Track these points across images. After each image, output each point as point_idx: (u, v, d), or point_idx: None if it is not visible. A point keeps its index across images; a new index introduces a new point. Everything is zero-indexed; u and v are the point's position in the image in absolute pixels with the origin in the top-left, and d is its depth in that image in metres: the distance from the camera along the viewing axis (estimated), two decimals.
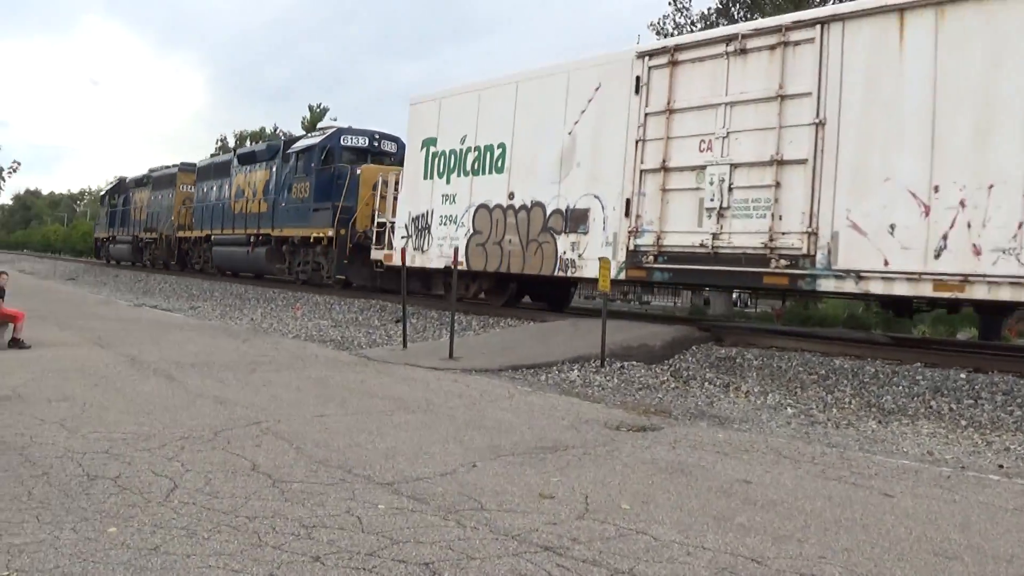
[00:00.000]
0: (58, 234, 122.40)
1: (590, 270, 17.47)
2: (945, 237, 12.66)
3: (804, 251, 14.31)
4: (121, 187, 56.31)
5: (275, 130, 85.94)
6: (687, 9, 38.33)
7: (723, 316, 29.04)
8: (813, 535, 5.69)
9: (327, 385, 11.53)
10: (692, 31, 36.55)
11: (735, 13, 37.01)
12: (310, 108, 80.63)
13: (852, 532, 5.80)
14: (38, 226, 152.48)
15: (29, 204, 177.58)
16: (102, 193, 70.53)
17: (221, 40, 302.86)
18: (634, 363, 13.93)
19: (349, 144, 30.12)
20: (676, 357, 14.65)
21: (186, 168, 44.55)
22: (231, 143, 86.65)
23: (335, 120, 75.30)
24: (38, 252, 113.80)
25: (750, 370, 13.53)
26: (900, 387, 11.97)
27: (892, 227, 13.23)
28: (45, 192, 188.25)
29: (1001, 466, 8.36)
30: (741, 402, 11.79)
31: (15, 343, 14.19)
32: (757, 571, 4.96)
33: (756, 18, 32.89)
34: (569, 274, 18.73)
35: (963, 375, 12.14)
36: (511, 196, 20.06)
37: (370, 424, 8.92)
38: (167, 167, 47.73)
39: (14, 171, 46.59)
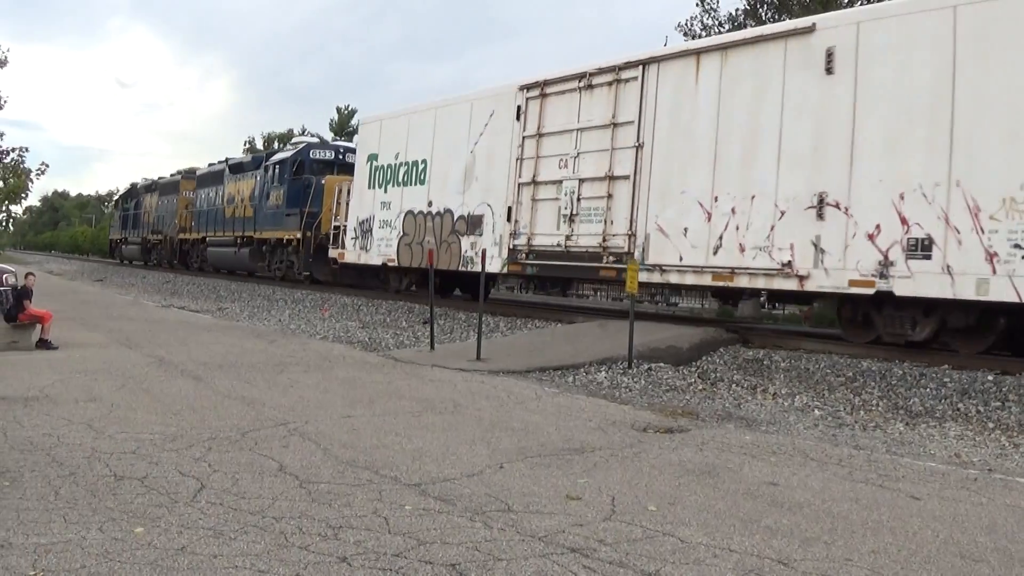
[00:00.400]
0: (86, 235, 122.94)
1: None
2: (721, 237, 15.99)
3: (626, 249, 17.82)
4: (133, 192, 60.61)
5: (303, 132, 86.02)
6: (715, 10, 38.06)
7: (751, 318, 28.89)
8: (840, 537, 5.66)
9: (354, 386, 11.56)
10: (720, 32, 36.39)
11: (763, 14, 36.77)
12: (338, 110, 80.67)
13: (879, 534, 5.77)
14: (66, 227, 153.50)
15: (57, 206, 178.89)
16: (116, 197, 76.06)
17: (249, 43, 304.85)
18: (662, 365, 13.90)
19: (317, 157, 34.28)
20: (703, 359, 14.62)
21: (188, 175, 48.62)
22: (259, 144, 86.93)
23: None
24: (66, 253, 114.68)
25: (777, 372, 13.48)
26: (928, 389, 11.89)
27: (686, 230, 16.64)
28: (73, 194, 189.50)
29: None
30: (768, 404, 11.74)
31: (43, 344, 14.31)
32: (784, 573, 4.94)
33: (784, 18, 32.80)
34: (468, 269, 22.21)
35: (991, 377, 12.06)
36: (430, 204, 23.88)
37: (397, 425, 8.94)
38: (174, 174, 51.94)
39: (42, 173, 46.91)
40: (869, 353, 14.19)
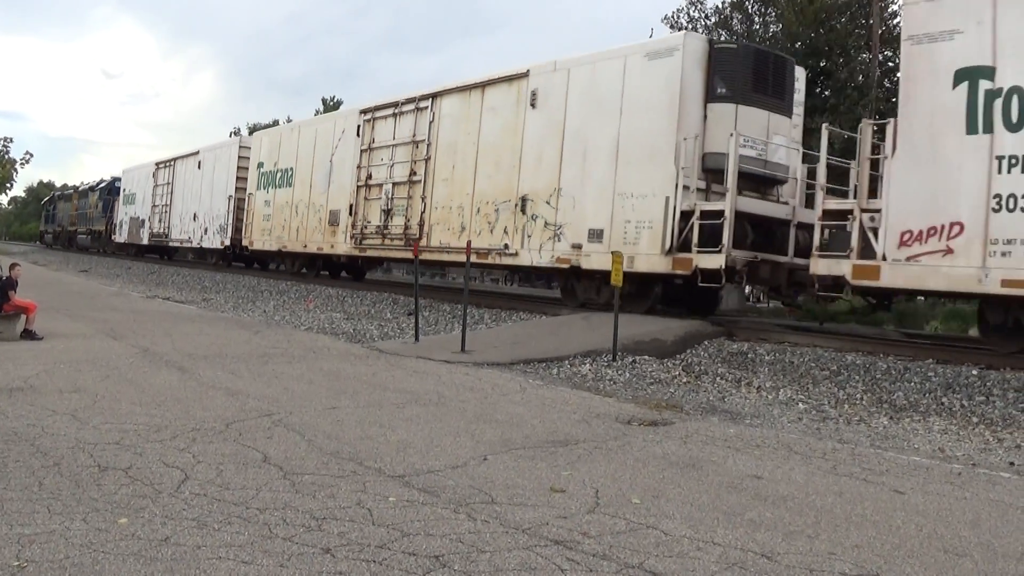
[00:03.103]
0: None
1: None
2: (196, 230, 42.73)
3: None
4: (52, 200, 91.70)
5: (288, 122, 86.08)
6: (701, 3, 38.10)
7: (735, 311, 28.93)
8: (823, 531, 5.68)
9: (339, 377, 11.55)
10: (707, 24, 36.53)
11: (749, 7, 36.86)
12: (323, 101, 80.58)
13: (862, 528, 5.79)
14: None
15: (42, 196, 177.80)
16: (43, 201, 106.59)
17: (236, 35, 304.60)
18: (646, 357, 13.93)
19: (118, 186, 57.03)
20: (688, 352, 14.65)
21: (77, 190, 75.55)
22: (245, 134, 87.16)
23: None
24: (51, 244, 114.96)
25: (762, 365, 13.51)
26: (912, 383, 11.94)
27: (178, 225, 45.08)
28: (59, 184, 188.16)
29: (1012, 463, 8.34)
30: (753, 397, 11.77)
31: (27, 334, 14.23)
32: (767, 567, 4.95)
33: (771, 12, 32.90)
34: (142, 244, 49.72)
35: (975, 372, 12.12)
36: (136, 214, 49.68)
37: (382, 417, 8.94)
38: (76, 186, 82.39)
39: (26, 162, 47.39)
40: (854, 347, 14.25)
